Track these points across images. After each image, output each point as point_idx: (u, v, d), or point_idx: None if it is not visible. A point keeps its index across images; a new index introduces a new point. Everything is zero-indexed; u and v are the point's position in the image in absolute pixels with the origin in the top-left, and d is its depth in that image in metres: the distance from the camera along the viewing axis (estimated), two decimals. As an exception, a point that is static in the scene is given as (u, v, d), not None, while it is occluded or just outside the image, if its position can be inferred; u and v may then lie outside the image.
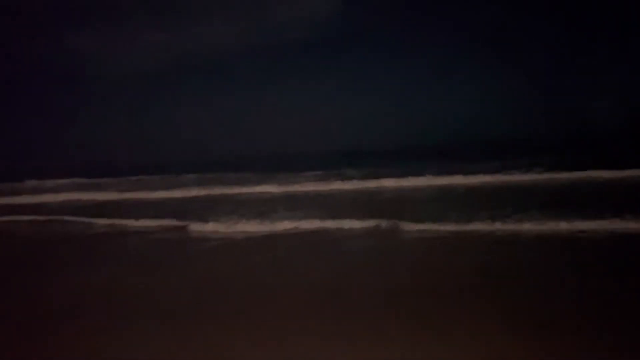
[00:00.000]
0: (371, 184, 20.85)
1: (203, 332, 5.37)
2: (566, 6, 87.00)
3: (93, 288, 7.51)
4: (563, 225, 9.62)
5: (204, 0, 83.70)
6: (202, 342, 5.10)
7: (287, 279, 7.45)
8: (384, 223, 11.03)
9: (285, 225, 11.83)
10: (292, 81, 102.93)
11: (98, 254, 10.52)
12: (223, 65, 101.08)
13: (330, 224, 11.58)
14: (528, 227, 9.81)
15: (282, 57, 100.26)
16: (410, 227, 10.54)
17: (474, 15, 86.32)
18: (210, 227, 12.30)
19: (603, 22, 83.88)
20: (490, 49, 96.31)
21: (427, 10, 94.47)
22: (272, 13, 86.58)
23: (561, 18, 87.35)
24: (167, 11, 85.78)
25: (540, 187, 17.32)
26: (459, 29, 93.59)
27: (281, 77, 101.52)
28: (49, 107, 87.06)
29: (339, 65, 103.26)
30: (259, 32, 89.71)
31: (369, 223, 11.20)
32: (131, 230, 13.13)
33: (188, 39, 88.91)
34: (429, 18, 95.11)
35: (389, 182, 20.45)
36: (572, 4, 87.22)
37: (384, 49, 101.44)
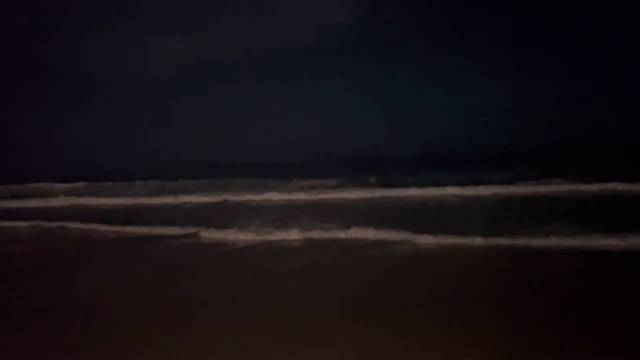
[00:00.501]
0: (392, 192, 20.37)
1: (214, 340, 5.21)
2: (586, 14, 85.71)
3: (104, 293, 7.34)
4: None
5: (216, 6, 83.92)
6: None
7: (303, 289, 7.22)
8: (401, 234, 10.56)
9: (299, 234, 11.39)
10: (305, 87, 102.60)
11: (111, 259, 10.27)
12: (237, 71, 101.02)
13: (346, 233, 11.13)
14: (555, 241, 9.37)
15: (297, 63, 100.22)
16: (427, 239, 10.06)
17: (493, 22, 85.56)
18: (225, 235, 11.88)
19: (623, 28, 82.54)
20: (507, 57, 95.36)
21: (445, 17, 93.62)
22: (287, 19, 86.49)
23: (581, 25, 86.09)
24: (179, 16, 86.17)
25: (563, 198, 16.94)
26: (476, 37, 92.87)
27: (295, 83, 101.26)
28: (57, 110, 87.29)
29: (353, 71, 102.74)
30: (273, 37, 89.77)
31: (388, 234, 10.73)
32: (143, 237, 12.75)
33: (202, 44, 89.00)
34: (446, 25, 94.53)
35: (409, 192, 19.96)
36: (592, 13, 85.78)
37: (400, 55, 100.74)
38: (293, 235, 11.30)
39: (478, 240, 9.59)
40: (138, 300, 6.89)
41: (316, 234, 11.30)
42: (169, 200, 22.01)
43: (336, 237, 11.00)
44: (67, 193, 26.04)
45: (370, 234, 10.80)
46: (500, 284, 7.04)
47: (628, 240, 8.95)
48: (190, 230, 12.70)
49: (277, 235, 11.41)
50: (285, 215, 14.70)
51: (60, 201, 23.39)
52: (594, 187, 17.86)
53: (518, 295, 6.51)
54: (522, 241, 9.49)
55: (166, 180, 30.16)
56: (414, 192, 19.85)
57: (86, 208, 21.02)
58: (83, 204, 22.40)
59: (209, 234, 12.03)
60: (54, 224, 15.02)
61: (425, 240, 9.99)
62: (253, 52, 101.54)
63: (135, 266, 9.38)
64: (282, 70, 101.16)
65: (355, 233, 10.99)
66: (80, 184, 30.85)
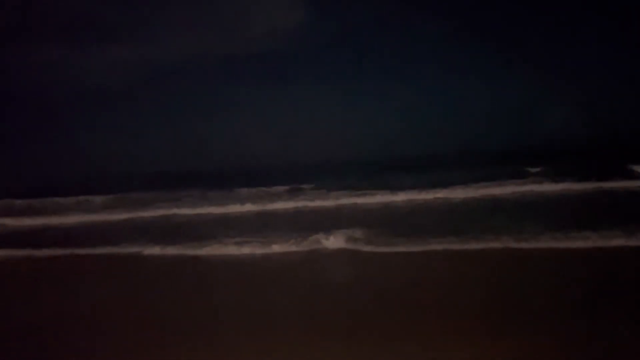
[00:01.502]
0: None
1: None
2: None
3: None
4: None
5: (175, 12, 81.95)
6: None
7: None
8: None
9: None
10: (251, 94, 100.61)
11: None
12: (181, 77, 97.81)
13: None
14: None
15: (246, 69, 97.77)
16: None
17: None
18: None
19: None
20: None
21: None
22: (234, 24, 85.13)
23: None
24: (136, 24, 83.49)
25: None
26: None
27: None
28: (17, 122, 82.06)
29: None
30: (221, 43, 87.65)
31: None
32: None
33: (161, 52, 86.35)
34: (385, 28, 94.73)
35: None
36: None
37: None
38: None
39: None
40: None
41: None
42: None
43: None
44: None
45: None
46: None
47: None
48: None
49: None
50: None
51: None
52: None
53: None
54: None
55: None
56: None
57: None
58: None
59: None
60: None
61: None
62: (199, 58, 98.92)
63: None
64: (229, 76, 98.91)
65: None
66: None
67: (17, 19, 68.44)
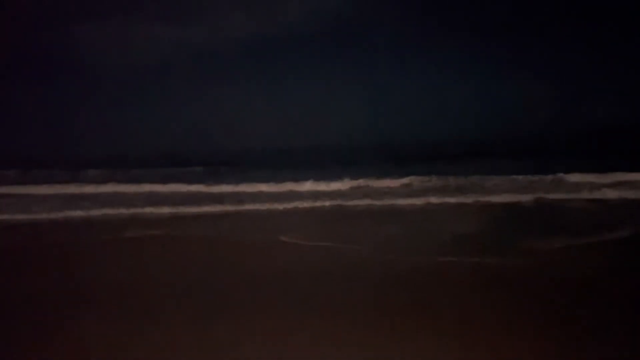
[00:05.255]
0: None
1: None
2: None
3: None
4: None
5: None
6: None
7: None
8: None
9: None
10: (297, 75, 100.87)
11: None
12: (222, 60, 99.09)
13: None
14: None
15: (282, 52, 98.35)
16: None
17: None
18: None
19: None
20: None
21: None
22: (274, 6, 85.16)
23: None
24: (171, 4, 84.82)
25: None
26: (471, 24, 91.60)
27: (284, 72, 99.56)
28: (53, 99, 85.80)
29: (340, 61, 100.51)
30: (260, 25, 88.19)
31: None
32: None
33: (194, 32, 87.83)
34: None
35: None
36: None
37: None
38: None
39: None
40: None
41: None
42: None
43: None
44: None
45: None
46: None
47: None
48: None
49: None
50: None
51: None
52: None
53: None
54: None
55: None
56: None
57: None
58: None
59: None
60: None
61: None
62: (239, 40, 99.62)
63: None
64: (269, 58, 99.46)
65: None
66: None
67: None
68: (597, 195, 15.72)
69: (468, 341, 5.16)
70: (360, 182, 20.73)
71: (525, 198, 15.57)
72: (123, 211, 15.83)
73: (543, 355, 4.87)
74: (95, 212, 15.74)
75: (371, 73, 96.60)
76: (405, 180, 20.58)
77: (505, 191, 16.90)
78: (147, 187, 22.24)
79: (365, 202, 16.28)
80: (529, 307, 6.15)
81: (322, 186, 20.32)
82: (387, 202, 16.13)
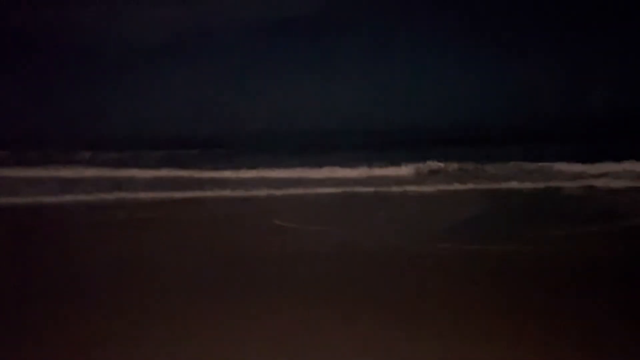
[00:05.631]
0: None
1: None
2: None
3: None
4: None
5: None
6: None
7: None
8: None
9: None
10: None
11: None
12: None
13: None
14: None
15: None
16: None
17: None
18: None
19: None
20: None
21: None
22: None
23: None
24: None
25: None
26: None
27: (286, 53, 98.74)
28: (47, 79, 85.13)
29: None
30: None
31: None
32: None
33: (193, 13, 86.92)
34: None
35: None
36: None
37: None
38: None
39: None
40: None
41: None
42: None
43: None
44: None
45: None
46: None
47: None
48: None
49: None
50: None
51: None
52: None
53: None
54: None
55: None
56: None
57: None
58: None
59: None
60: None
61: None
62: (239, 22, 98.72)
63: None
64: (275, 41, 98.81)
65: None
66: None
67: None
68: (601, 183, 15.53)
69: (467, 328, 5.00)
70: (363, 168, 20.45)
71: (528, 185, 15.35)
72: (118, 194, 15.56)
73: (545, 344, 4.63)
74: (90, 196, 15.44)
75: (375, 58, 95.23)
76: (405, 166, 20.41)
77: (509, 178, 16.68)
78: (143, 171, 21.84)
79: (369, 188, 16.03)
80: (531, 295, 5.99)
81: (325, 172, 20.04)
82: (389, 188, 15.93)
